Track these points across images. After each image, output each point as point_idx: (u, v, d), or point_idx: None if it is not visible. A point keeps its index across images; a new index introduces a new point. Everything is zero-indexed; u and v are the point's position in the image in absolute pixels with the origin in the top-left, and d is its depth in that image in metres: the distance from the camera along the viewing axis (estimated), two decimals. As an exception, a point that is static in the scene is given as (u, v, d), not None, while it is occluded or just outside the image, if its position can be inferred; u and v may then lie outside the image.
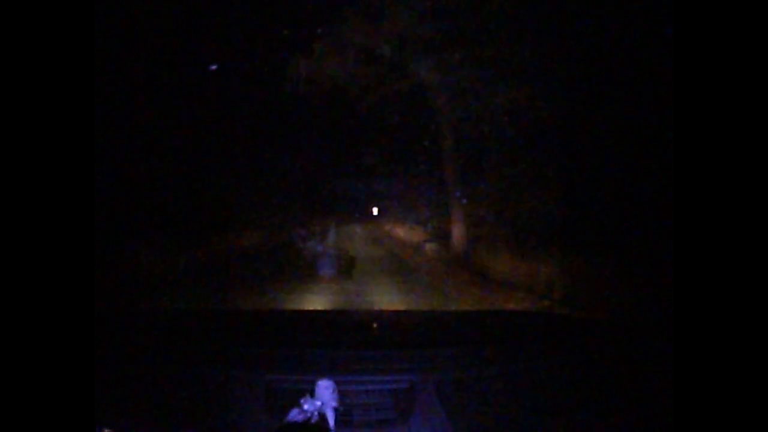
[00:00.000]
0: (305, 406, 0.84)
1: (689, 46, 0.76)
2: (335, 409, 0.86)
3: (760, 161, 0.69)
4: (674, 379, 0.71)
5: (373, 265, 8.11)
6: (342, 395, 0.89)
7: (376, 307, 4.42)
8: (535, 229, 6.35)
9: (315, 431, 0.82)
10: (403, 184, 13.20)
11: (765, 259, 0.67)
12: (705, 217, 0.72)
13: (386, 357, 1.00)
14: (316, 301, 4.75)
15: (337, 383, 0.89)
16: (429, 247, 10.22)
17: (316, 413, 0.84)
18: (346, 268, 7.08)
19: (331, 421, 0.84)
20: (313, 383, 0.88)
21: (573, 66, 5.86)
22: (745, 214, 0.69)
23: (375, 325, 1.49)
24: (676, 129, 0.75)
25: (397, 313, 2.15)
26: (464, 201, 8.50)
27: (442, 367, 0.98)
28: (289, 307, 4.22)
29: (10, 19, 0.69)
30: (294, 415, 0.83)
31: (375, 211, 21.82)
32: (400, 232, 14.68)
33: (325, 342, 1.14)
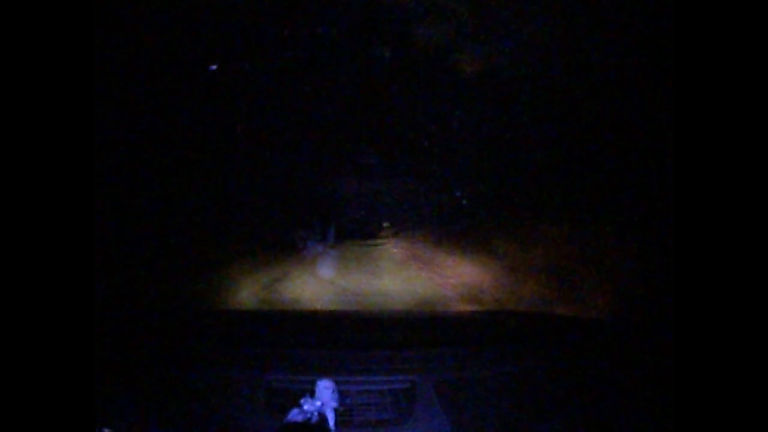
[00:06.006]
0: (305, 406, 0.84)
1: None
2: (335, 409, 0.86)
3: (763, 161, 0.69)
4: (674, 379, 0.71)
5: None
6: (342, 395, 0.89)
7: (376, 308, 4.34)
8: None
9: (315, 431, 0.83)
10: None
11: (765, 258, 0.67)
12: (704, 216, 0.72)
13: (386, 357, 1.00)
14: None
15: (337, 383, 0.89)
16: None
17: (316, 413, 0.84)
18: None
19: (331, 421, 0.84)
20: (313, 383, 0.88)
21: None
22: (745, 213, 0.69)
23: (375, 326, 1.49)
24: (676, 130, 0.75)
25: (397, 313, 2.15)
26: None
27: (442, 367, 0.98)
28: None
29: (11, 17, 0.69)
30: (294, 415, 0.83)
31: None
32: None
33: (325, 342, 1.14)
